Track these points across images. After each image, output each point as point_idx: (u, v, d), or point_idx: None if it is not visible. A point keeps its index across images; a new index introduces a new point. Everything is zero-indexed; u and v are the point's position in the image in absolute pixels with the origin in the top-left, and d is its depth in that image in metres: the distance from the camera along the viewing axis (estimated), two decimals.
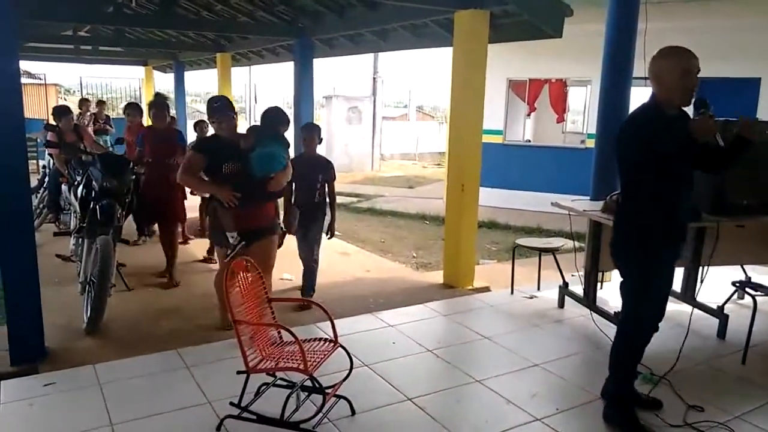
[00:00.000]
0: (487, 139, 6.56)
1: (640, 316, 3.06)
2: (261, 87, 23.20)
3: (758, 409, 3.35)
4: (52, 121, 6.92)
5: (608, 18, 5.34)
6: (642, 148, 2.79)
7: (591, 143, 8.53)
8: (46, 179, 7.27)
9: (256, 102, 21.95)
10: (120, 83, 17.88)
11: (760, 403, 3.42)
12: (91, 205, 4.73)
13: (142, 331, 4.41)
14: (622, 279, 3.14)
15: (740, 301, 4.93)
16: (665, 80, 2.82)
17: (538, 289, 5.43)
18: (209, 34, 10.68)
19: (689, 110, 2.97)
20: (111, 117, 12.02)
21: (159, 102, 5.76)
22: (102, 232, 4.50)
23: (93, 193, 4.81)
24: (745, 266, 5.13)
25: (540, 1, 5.46)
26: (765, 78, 9.11)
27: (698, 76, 2.83)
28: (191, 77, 16.47)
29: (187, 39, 11.47)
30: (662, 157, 2.74)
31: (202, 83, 26.12)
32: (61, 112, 6.70)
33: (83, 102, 11.81)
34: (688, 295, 4.70)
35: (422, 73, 44.09)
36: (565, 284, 5.02)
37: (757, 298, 4.02)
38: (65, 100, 20.47)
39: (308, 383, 3.03)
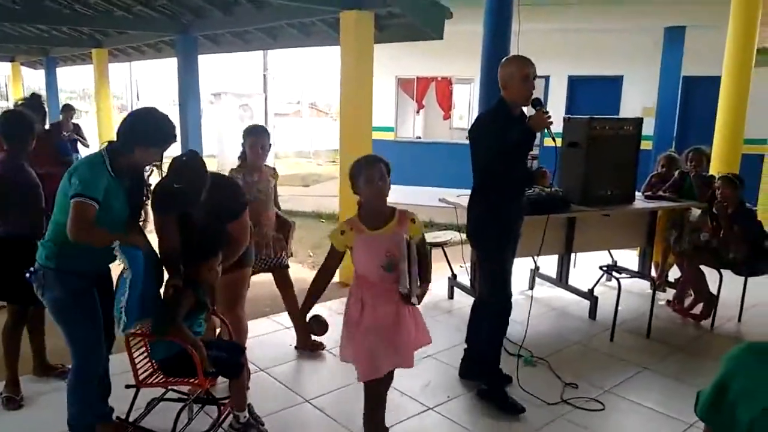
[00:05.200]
0: (379, 135, 6.70)
1: (502, 295, 3.32)
2: (144, 84, 22.11)
3: (624, 382, 3.71)
4: None
5: (485, 20, 5.61)
6: (493, 141, 3.10)
7: None
8: None
9: (138, 99, 20.87)
10: None
11: (625, 376, 3.79)
12: None
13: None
14: (480, 264, 3.41)
15: (608, 284, 5.37)
16: (509, 85, 3.18)
17: None
18: (84, 28, 10.01)
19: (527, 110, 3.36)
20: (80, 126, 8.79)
21: (36, 104, 4.81)
22: None
23: None
24: (611, 251, 5.63)
25: (421, 3, 5.66)
26: (627, 76, 9.98)
27: (534, 80, 3.18)
28: (65, 73, 15.37)
29: (60, 34, 10.67)
30: (509, 147, 3.10)
31: (78, 79, 24.31)
32: None
33: (67, 108, 8.72)
34: (563, 280, 5.09)
35: (315, 69, 43.88)
36: (454, 276, 5.26)
37: (621, 280, 4.42)
38: None
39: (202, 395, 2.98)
